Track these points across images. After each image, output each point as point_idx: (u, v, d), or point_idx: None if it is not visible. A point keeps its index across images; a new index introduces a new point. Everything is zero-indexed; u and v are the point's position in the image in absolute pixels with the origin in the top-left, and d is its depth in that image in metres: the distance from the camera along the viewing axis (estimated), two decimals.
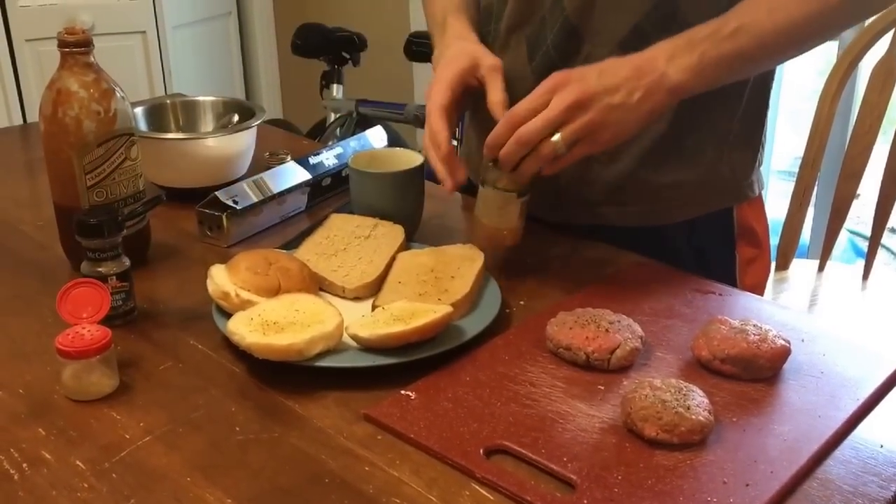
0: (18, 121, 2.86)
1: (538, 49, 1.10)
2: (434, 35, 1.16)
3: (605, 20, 1.05)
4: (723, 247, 1.17)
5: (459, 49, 1.06)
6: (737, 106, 1.11)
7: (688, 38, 0.95)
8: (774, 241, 1.42)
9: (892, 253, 3.14)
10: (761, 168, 1.19)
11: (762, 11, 0.95)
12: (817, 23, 0.96)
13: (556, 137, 0.93)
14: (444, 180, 1.00)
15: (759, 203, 1.19)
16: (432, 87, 1.03)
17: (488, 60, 1.03)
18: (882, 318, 1.76)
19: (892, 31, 1.74)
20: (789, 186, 1.87)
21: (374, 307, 0.94)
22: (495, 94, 1.01)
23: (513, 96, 1.11)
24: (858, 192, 1.86)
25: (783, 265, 1.89)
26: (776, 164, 3.09)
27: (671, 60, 0.93)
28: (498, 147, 0.95)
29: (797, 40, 0.98)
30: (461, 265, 0.98)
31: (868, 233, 1.88)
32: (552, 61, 1.08)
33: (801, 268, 1.93)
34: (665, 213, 1.12)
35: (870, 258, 1.87)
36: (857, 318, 1.77)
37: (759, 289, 1.22)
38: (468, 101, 1.08)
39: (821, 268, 1.91)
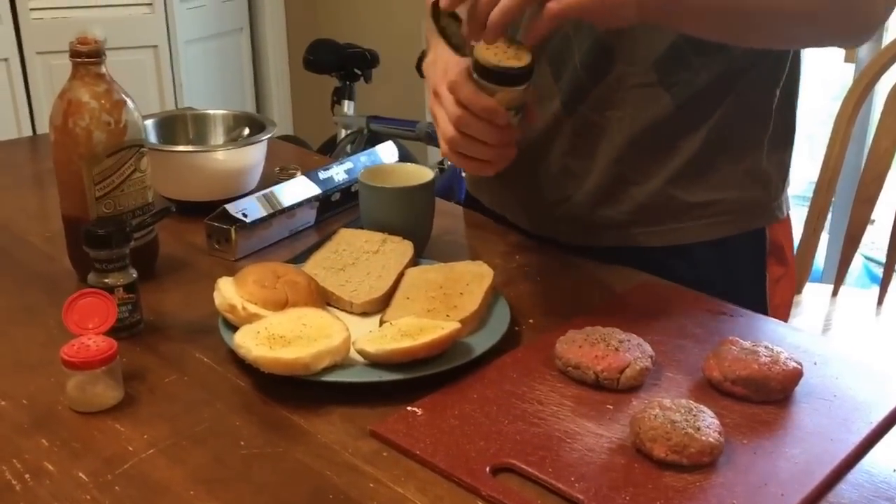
0: (28, 133, 2.87)
1: (564, 67, 1.08)
2: (430, 40, 1.08)
3: (640, 40, 1.03)
4: (753, 267, 1.15)
5: None
6: (767, 123, 1.10)
7: None
8: None
9: None
10: (788, 189, 1.18)
11: None
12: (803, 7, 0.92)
13: None
14: (496, 161, 0.93)
15: (787, 221, 1.18)
16: (453, 76, 0.91)
17: None
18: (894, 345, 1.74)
19: None
20: (804, 212, 1.85)
21: (381, 322, 0.93)
22: None
23: (539, 117, 1.09)
24: (874, 217, 1.84)
25: (797, 289, 1.88)
26: (790, 189, 3.07)
27: None
28: (484, 15, 0.83)
29: (779, 19, 0.93)
30: (470, 282, 0.97)
31: (884, 258, 1.86)
32: (580, 80, 1.07)
33: (815, 293, 1.91)
34: (694, 231, 1.11)
35: (885, 284, 1.85)
36: (870, 343, 1.75)
37: (785, 307, 1.20)
38: None
39: (834, 293, 1.89)
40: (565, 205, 1.13)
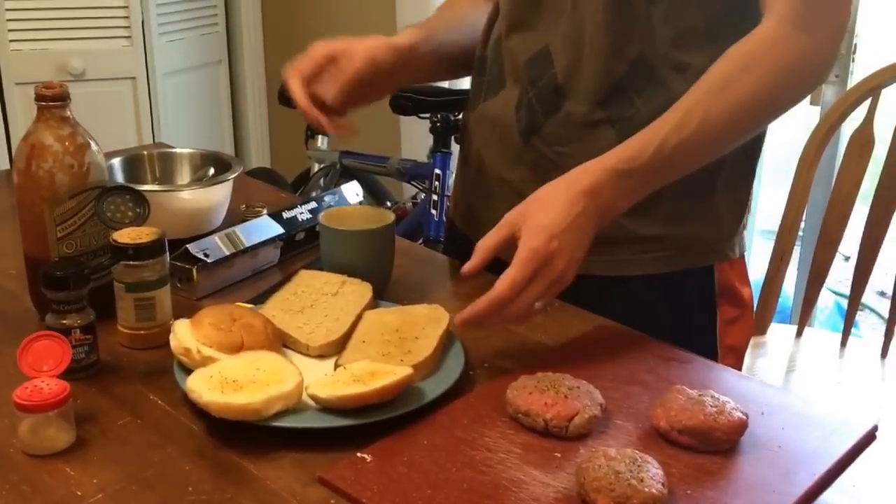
0: (5, 162, 2.86)
1: (522, 100, 1.14)
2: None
3: (588, 80, 1.09)
4: (702, 307, 1.17)
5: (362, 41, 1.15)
6: (719, 162, 1.10)
7: (622, 164, 0.99)
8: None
9: (882, 317, 3.12)
10: (745, 231, 1.20)
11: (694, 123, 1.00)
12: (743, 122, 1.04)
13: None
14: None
15: (741, 264, 1.20)
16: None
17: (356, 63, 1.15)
18: (854, 387, 1.76)
19: (870, 99, 1.76)
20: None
21: (336, 366, 0.94)
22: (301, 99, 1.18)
23: (496, 141, 1.17)
24: (849, 254, 1.86)
25: (760, 330, 1.89)
26: (761, 224, 3.09)
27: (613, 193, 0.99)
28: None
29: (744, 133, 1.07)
30: (426, 326, 0.98)
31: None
32: (535, 115, 1.12)
33: (780, 333, 1.93)
34: (639, 264, 1.13)
35: (847, 325, 1.87)
36: (829, 387, 1.76)
37: (740, 349, 1.22)
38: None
39: (798, 333, 1.91)
40: None
